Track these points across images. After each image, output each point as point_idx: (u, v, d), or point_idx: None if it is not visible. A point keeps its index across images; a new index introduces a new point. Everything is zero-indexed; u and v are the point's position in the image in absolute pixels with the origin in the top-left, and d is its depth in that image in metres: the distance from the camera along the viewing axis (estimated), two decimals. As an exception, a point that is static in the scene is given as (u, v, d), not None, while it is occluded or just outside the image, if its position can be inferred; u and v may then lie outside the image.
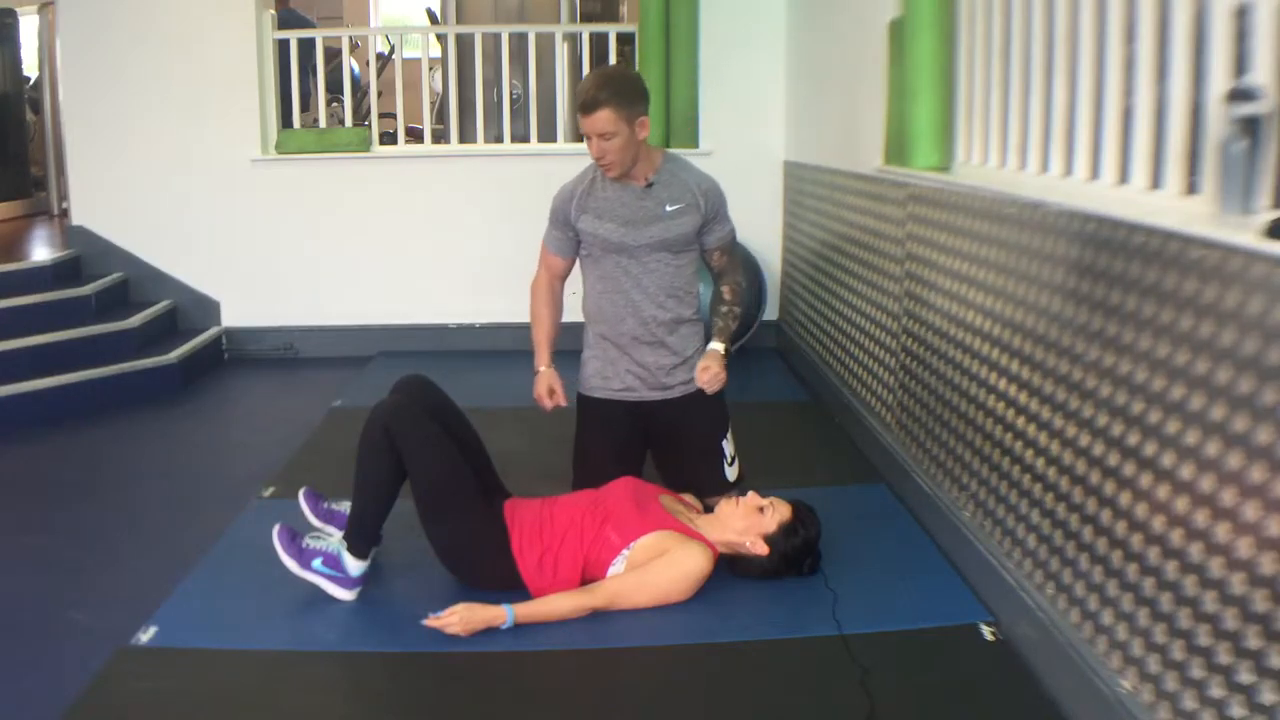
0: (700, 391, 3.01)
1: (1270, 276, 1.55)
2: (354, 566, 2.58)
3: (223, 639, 2.43)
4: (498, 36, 5.39)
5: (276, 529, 2.60)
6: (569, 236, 3.01)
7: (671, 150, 3.12)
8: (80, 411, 4.29)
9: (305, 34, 5.74)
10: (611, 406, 3.05)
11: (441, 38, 5.62)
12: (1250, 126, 1.62)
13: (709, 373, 2.93)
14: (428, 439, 2.56)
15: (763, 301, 5.21)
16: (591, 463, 3.03)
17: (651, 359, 3.00)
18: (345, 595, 2.58)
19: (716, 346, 3.00)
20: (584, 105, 2.77)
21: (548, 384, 3.02)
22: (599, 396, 3.06)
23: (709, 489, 3.01)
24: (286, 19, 6.29)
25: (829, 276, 4.32)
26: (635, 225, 2.92)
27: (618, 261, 2.96)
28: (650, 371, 3.01)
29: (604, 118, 2.75)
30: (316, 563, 2.58)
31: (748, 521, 2.63)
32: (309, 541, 2.61)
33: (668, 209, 2.92)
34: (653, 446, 3.12)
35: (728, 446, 3.06)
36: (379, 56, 6.28)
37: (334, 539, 2.63)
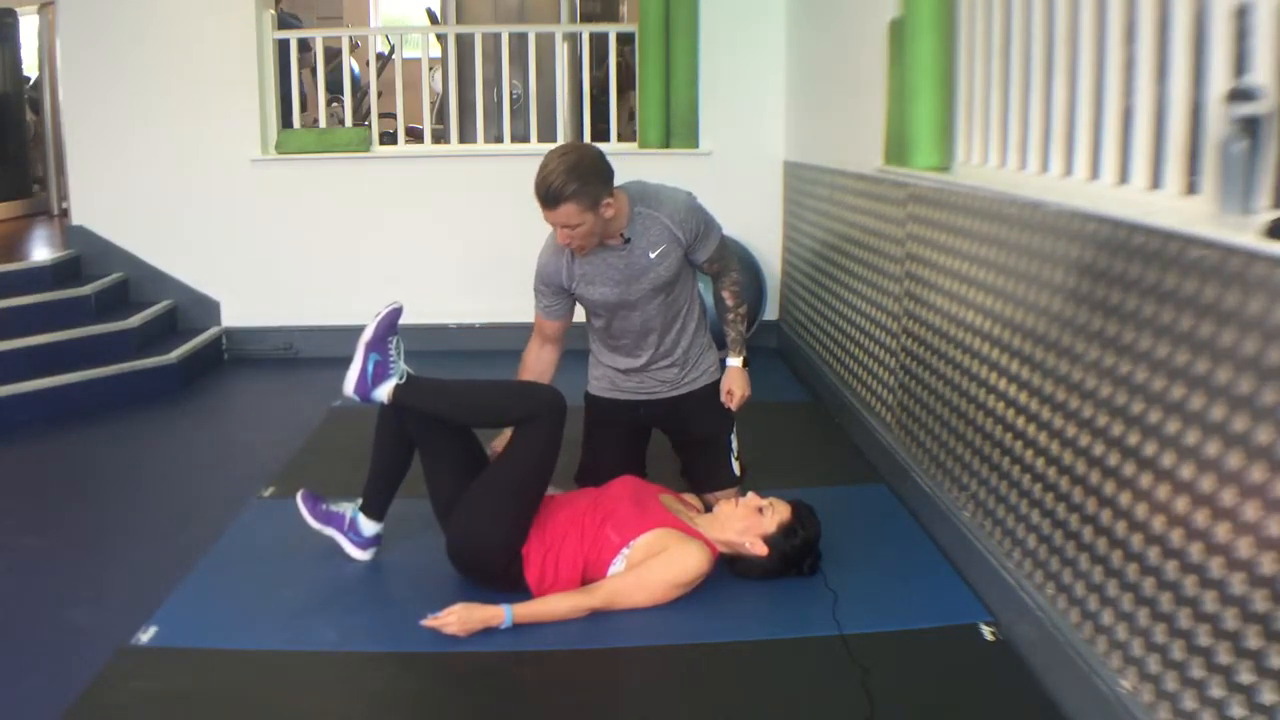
0: (704, 389, 3.05)
1: (1270, 276, 1.55)
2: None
3: (223, 639, 2.43)
4: (498, 36, 5.39)
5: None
6: (565, 301, 2.93)
7: (631, 183, 2.85)
8: (80, 411, 4.29)
9: (307, 34, 5.74)
10: (617, 406, 3.07)
11: (441, 38, 5.61)
12: (1250, 126, 1.61)
13: (734, 397, 3.03)
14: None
15: (763, 301, 5.21)
16: (596, 460, 3.06)
17: (663, 374, 3.04)
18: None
19: (735, 362, 3.06)
20: (546, 199, 2.59)
21: None
22: (606, 397, 3.09)
23: (717, 482, 3.04)
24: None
25: (829, 276, 4.32)
26: (627, 282, 2.85)
27: (622, 315, 2.92)
28: (659, 381, 3.04)
29: (567, 211, 2.60)
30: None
31: (747, 522, 2.63)
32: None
33: (651, 256, 2.82)
34: (669, 439, 3.16)
35: (734, 442, 3.08)
36: (379, 56, 6.28)
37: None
